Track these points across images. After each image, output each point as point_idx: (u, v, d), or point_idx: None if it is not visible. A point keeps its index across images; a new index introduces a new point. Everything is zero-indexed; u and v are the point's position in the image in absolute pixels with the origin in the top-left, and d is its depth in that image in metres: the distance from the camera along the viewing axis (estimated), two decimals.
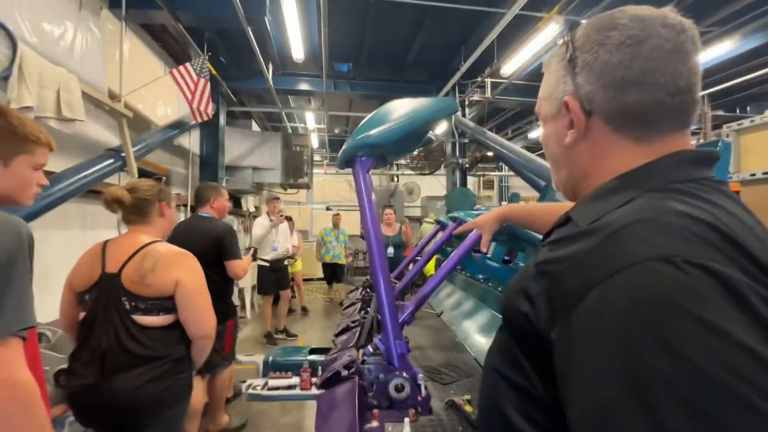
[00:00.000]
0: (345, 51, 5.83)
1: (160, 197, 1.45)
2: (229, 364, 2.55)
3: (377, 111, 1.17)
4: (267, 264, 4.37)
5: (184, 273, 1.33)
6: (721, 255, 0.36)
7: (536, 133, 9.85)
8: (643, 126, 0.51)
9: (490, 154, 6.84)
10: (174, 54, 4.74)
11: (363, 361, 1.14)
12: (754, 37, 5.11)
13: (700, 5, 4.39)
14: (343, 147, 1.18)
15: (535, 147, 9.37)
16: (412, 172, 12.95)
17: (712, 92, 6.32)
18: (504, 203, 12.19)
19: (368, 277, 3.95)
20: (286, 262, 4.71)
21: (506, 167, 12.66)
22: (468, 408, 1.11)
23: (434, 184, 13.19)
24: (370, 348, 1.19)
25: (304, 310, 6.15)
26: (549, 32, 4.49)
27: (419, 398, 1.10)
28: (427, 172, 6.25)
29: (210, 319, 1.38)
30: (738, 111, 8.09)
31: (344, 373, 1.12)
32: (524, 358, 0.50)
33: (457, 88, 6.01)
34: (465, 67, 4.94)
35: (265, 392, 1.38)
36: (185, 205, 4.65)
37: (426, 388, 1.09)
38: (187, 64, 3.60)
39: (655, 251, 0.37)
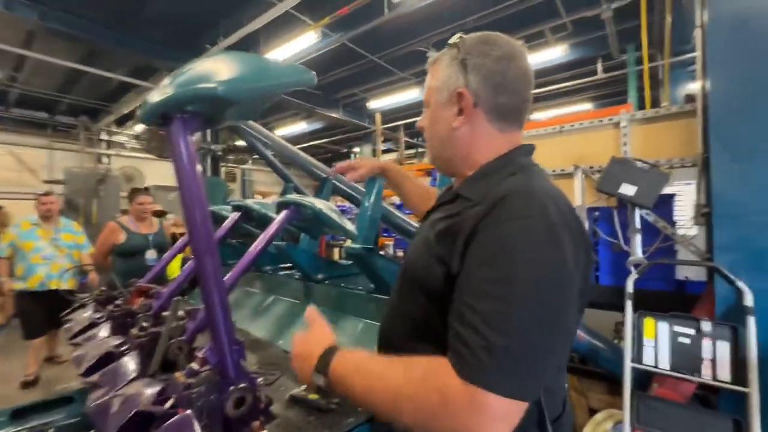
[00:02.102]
0: None
1: None
2: None
3: (211, 59, 0.90)
4: None
5: None
6: (561, 217, 0.59)
7: (289, 130, 10.27)
8: (506, 121, 0.72)
9: (242, 143, 6.53)
10: None
11: (189, 386, 0.86)
12: None
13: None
14: (156, 97, 0.83)
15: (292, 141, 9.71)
16: (130, 153, 10.30)
17: (407, 123, 8.84)
18: (249, 198, 11.94)
19: (104, 288, 2.83)
20: None
21: (251, 161, 12.48)
22: (313, 396, 1.07)
23: (164, 172, 11.06)
24: (194, 366, 0.91)
25: None
26: (308, 39, 4.84)
27: (261, 406, 0.96)
28: (168, 156, 5.13)
29: None
30: (419, 139, 11.67)
31: (160, 409, 0.81)
32: (435, 307, 0.66)
33: None
34: (225, 44, 4.48)
35: None
36: None
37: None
38: None
39: (524, 213, 0.58)
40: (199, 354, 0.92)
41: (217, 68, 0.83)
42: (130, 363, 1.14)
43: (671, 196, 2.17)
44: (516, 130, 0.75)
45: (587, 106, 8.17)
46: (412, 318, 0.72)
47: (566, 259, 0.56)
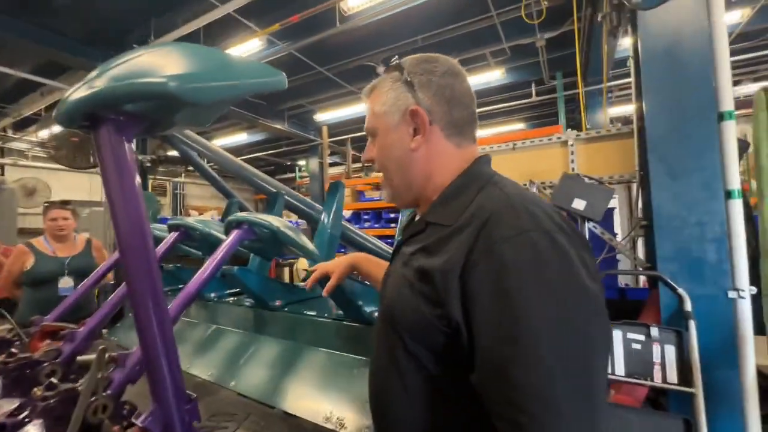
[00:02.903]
0: None
1: None
2: None
3: (156, 50, 0.73)
4: None
5: None
6: (552, 223, 0.54)
7: (228, 140, 9.62)
8: (461, 135, 0.70)
9: (174, 153, 5.93)
10: None
11: None
12: None
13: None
14: (81, 93, 0.65)
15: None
16: (31, 163, 8.84)
17: (355, 136, 8.81)
18: (184, 216, 10.91)
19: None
20: None
21: (183, 173, 11.48)
22: None
23: (76, 184, 9.70)
24: None
25: None
26: (252, 45, 4.60)
27: None
28: (85, 165, 4.40)
29: None
30: None
31: None
32: (427, 355, 0.58)
33: None
34: (157, 43, 4.05)
35: None
36: None
37: None
38: None
39: (517, 228, 0.52)
40: (137, 421, 0.71)
41: (167, 60, 0.66)
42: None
43: (612, 210, 2.35)
44: (471, 145, 0.72)
45: (521, 125, 8.87)
46: (407, 371, 0.61)
47: (577, 268, 0.51)
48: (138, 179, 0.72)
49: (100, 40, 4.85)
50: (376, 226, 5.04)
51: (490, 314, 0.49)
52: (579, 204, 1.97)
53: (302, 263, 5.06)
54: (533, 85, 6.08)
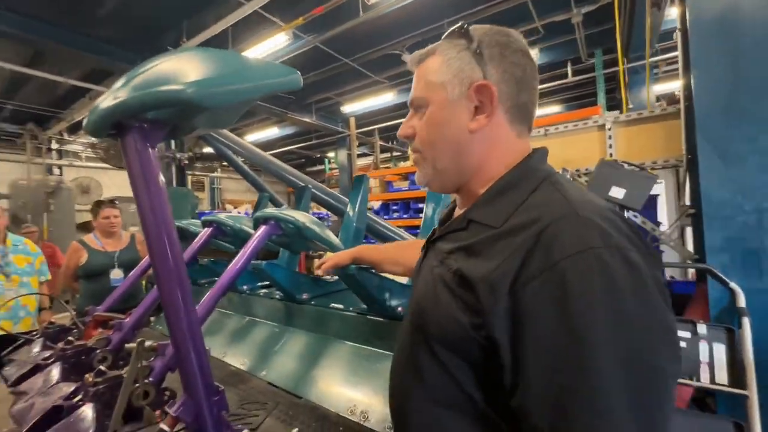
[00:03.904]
0: None
1: None
2: None
3: (175, 56, 0.75)
4: None
5: None
6: (623, 237, 0.46)
7: (259, 135, 9.91)
8: (524, 123, 0.61)
9: (210, 150, 6.19)
10: None
11: None
12: (406, 93, 7.57)
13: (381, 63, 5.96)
14: (108, 103, 0.68)
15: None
16: (85, 163, 9.58)
17: (382, 127, 8.78)
18: (219, 208, 11.43)
19: (54, 320, 2.51)
20: None
21: (220, 168, 11.98)
22: None
23: (124, 182, 10.39)
24: (164, 427, 0.75)
25: None
26: (279, 41, 4.66)
27: None
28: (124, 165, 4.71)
29: None
30: (395, 143, 11.66)
31: None
32: (459, 364, 0.53)
33: None
34: (190, 45, 4.21)
35: None
36: None
37: None
38: None
39: (583, 244, 0.45)
40: (171, 410, 0.76)
41: (184, 67, 0.67)
42: (84, 419, 0.95)
43: (655, 197, 2.19)
44: (527, 135, 0.64)
45: (557, 108, 8.43)
46: (433, 379, 0.56)
47: (654, 294, 0.45)
48: (162, 182, 0.75)
49: (138, 45, 5.11)
50: (405, 216, 5.02)
51: (547, 339, 0.44)
52: (617, 192, 1.85)
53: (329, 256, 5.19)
54: (569, 64, 5.74)
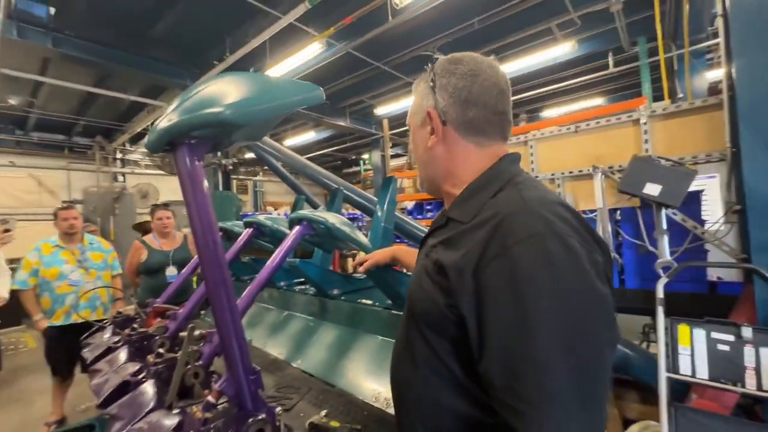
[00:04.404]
0: None
1: None
2: None
3: (215, 82, 0.87)
4: None
5: None
6: (567, 226, 0.55)
7: (297, 140, 10.33)
8: (480, 135, 0.71)
9: (252, 156, 6.59)
10: None
11: (205, 420, 0.82)
12: None
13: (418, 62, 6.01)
14: (163, 124, 0.81)
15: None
16: (144, 171, 10.52)
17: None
18: (261, 210, 12.02)
19: (121, 310, 2.84)
20: None
21: (262, 173, 12.61)
22: (334, 424, 1.03)
23: (177, 187, 11.24)
24: (210, 398, 0.88)
25: None
26: (313, 50, 4.87)
27: None
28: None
29: None
30: None
31: None
32: (439, 341, 0.62)
33: None
34: (232, 59, 4.53)
35: None
36: None
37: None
38: None
39: (529, 231, 0.54)
40: (216, 386, 0.89)
41: (221, 91, 0.80)
42: (146, 393, 1.12)
43: (698, 193, 2.07)
44: (498, 143, 0.72)
45: (599, 101, 8.00)
46: (422, 354, 0.66)
47: (587, 271, 0.53)
48: (207, 190, 0.88)
49: (187, 61, 5.56)
50: None
51: (502, 312, 0.52)
52: (653, 189, 1.78)
53: (363, 255, 5.31)
54: (610, 54, 5.45)
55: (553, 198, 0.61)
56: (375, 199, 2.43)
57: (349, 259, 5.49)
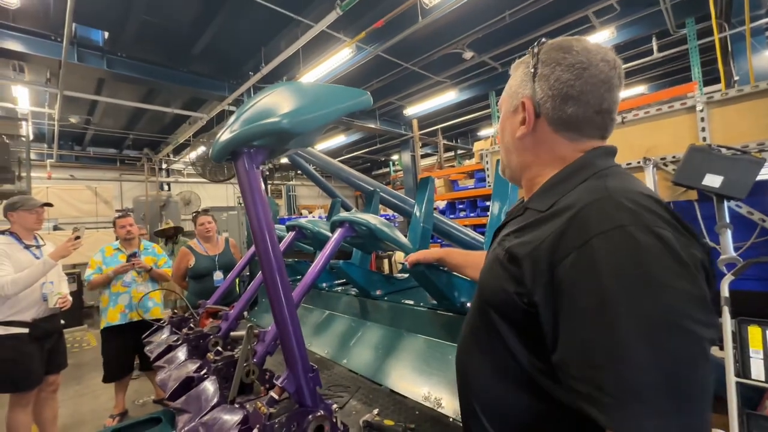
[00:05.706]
0: (101, 12, 4.29)
1: None
2: None
3: (270, 93, 0.92)
4: (25, 330, 2.40)
5: None
6: (656, 217, 0.51)
7: (328, 143, 10.55)
8: (575, 132, 0.67)
9: (285, 161, 6.79)
10: None
11: (270, 416, 0.86)
12: (468, 91, 7.46)
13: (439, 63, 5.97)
14: (226, 136, 0.87)
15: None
16: (187, 179, 11.16)
17: (444, 126, 8.73)
18: (295, 213, 12.37)
19: (175, 309, 3.04)
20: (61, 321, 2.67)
21: (295, 177, 12.97)
22: (388, 422, 1.04)
23: (217, 194, 11.84)
24: (273, 394, 0.92)
25: None
26: (343, 55, 4.96)
27: None
28: (222, 179, 5.47)
29: None
30: (458, 141, 11.52)
31: None
32: (508, 329, 0.62)
33: (252, 90, 5.64)
34: (267, 69, 4.70)
35: None
36: None
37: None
38: None
39: (613, 222, 0.51)
40: (277, 382, 0.93)
41: (277, 102, 0.84)
42: (210, 388, 1.18)
43: (765, 183, 1.90)
44: (594, 140, 0.67)
45: (640, 89, 7.55)
46: (490, 346, 0.66)
47: (685, 263, 0.48)
48: (265, 194, 0.92)
49: (225, 74, 5.83)
50: (472, 215, 4.95)
51: (580, 302, 0.50)
52: (713, 180, 1.67)
53: (399, 255, 5.30)
54: (653, 39, 5.13)
55: (642, 189, 0.57)
56: (409, 199, 2.44)
57: (385, 261, 5.52)
